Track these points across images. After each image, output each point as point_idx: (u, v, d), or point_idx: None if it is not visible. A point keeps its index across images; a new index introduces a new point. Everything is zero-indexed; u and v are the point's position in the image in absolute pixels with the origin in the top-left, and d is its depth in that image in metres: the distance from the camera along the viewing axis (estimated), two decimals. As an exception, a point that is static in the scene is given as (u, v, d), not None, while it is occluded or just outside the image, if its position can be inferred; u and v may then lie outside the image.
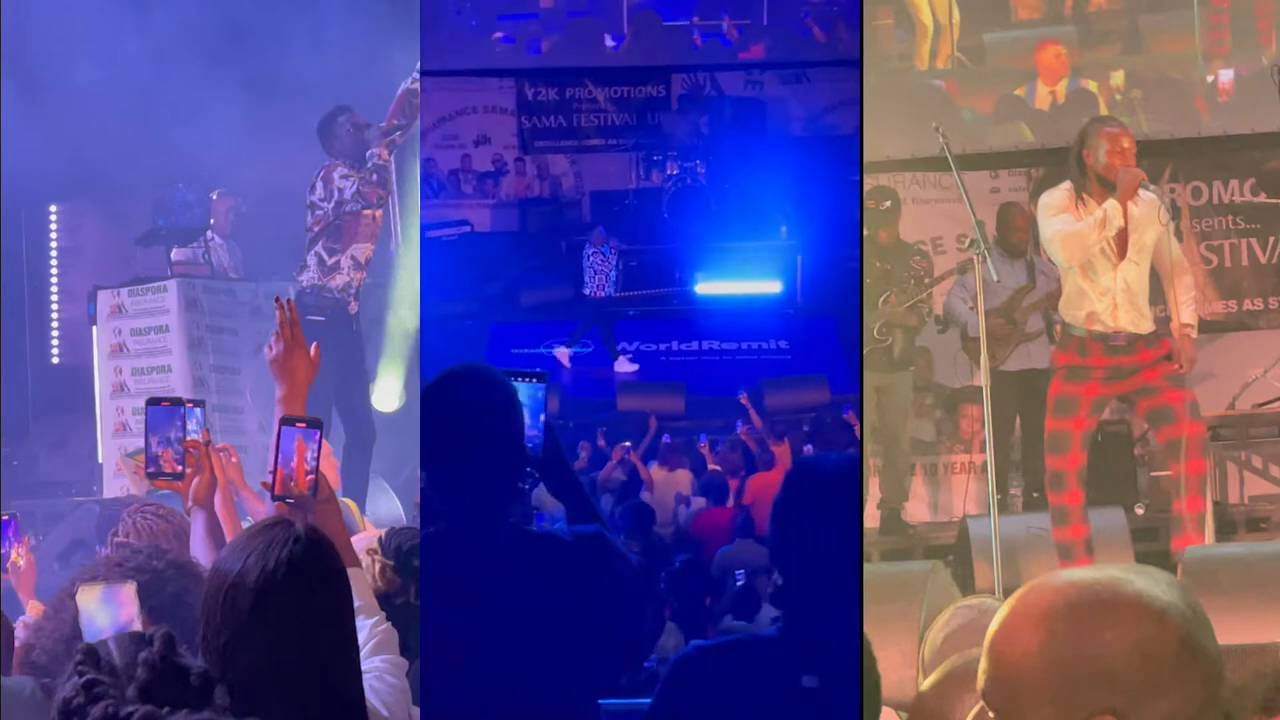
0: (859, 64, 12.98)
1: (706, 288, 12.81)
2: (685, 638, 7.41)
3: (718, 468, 10.09)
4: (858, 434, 10.05)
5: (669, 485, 9.95)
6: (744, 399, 10.57)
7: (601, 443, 10.50)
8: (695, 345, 12.49)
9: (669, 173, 13.51)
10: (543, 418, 3.25)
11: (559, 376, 11.15)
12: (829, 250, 12.66)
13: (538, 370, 3.34)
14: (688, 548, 9.05)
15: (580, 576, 3.12)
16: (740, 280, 12.69)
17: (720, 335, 12.53)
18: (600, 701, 3.16)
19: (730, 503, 9.54)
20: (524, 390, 3.21)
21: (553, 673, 3.05)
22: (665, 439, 10.44)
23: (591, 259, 12.18)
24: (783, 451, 9.94)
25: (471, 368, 3.22)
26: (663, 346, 12.43)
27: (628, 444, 10.21)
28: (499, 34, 13.85)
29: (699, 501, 9.72)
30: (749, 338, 12.33)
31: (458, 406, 3.12)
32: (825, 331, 12.33)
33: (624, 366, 12.03)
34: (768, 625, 2.98)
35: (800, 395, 11.08)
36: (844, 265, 11.77)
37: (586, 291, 12.15)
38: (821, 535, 2.82)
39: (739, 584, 8.26)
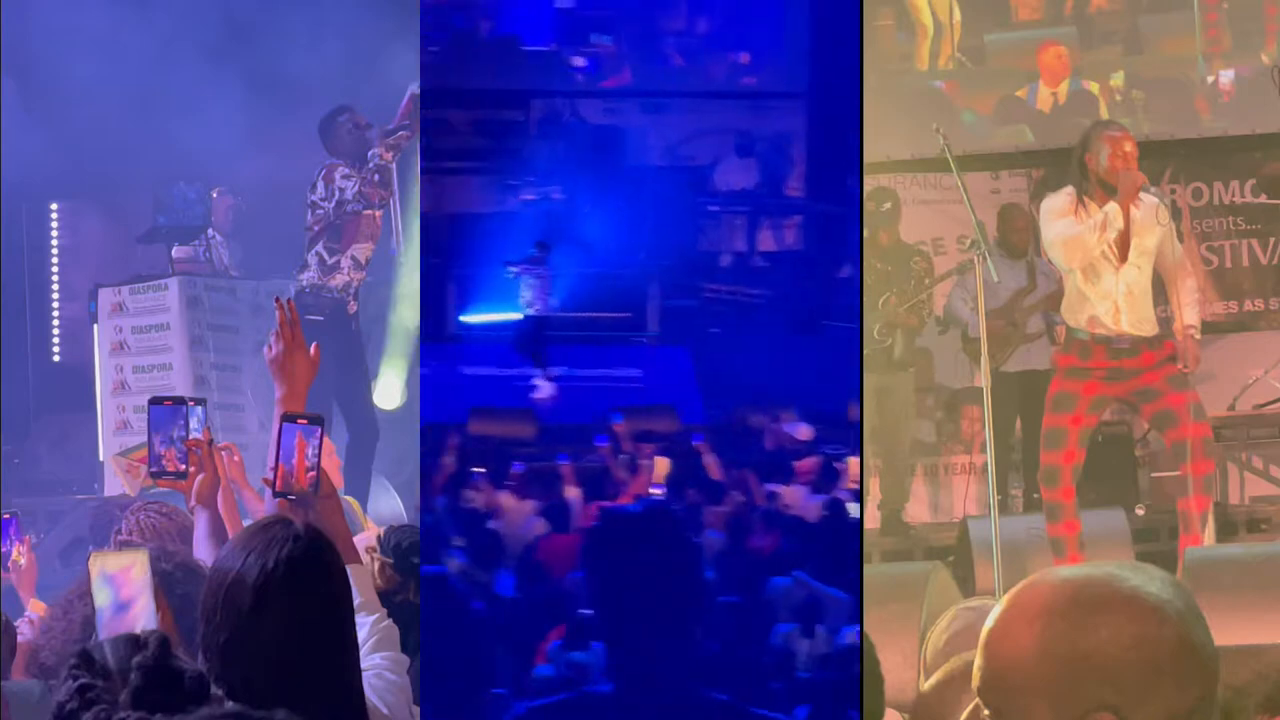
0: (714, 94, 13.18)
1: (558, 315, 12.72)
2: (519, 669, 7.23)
3: (577, 491, 9.92)
4: (709, 464, 9.94)
5: (518, 512, 9.75)
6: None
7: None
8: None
9: (525, 198, 13.47)
10: None
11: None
12: (683, 279, 12.64)
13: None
14: (534, 574, 8.88)
15: None
16: (592, 308, 12.57)
17: (572, 362, 12.38)
18: None
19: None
20: None
21: None
22: (517, 466, 10.22)
23: None
24: (641, 481, 9.87)
25: None
26: (514, 373, 12.33)
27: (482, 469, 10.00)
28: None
29: (539, 525, 9.53)
30: (600, 365, 12.17)
31: None
32: (678, 361, 12.24)
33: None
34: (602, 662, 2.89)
35: (649, 423, 10.99)
36: (697, 294, 11.71)
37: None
38: (633, 589, 2.76)
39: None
